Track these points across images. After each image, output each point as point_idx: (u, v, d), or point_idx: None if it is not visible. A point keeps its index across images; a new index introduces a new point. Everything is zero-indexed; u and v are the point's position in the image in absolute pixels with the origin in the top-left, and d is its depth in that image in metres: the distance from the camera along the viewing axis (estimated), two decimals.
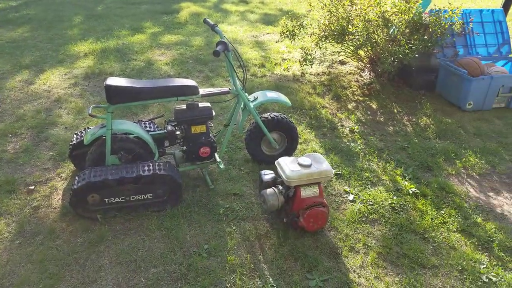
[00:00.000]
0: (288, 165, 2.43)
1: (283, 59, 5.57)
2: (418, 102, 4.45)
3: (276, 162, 2.55)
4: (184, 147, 2.89)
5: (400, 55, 4.09)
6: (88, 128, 2.87)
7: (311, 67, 4.95)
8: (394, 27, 4.12)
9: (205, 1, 9.01)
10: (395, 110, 4.29)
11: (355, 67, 5.27)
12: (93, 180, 2.41)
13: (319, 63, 5.40)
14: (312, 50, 4.67)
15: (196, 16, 7.66)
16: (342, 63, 5.48)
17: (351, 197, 2.88)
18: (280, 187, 2.47)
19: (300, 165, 2.42)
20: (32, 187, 2.81)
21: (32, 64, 5.11)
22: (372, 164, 3.31)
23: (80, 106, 4.04)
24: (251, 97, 3.07)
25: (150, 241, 2.40)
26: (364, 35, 3.99)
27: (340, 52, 4.99)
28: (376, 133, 3.81)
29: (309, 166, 2.42)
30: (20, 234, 2.40)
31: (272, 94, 3.09)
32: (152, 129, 3.04)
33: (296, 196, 2.43)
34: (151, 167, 2.55)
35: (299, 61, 4.81)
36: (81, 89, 4.46)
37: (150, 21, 7.23)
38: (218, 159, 2.94)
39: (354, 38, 4.32)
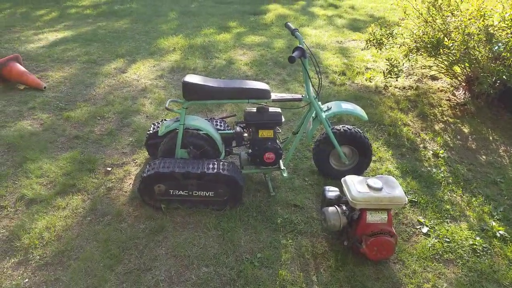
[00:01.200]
0: (355, 185, 2.26)
1: (367, 69, 5.28)
2: None
3: (342, 179, 2.39)
4: (250, 150, 2.86)
5: (504, 76, 3.60)
6: (165, 120, 3.00)
7: (397, 80, 4.60)
8: (499, 43, 3.63)
9: (293, 4, 8.98)
10: (491, 138, 3.79)
11: (448, 84, 4.79)
12: (161, 171, 2.49)
13: (407, 77, 5.01)
14: (399, 62, 4.33)
15: (282, 18, 7.66)
16: (434, 78, 5.02)
17: (425, 229, 2.60)
18: (344, 207, 2.30)
19: (369, 187, 2.23)
20: (109, 169, 3.01)
21: (127, 54, 5.54)
22: (455, 196, 2.95)
23: (162, 97, 4.26)
24: (324, 107, 2.93)
25: (206, 239, 2.41)
26: (462, 49, 3.58)
27: (432, 66, 4.57)
28: (465, 161, 3.40)
29: (379, 189, 2.22)
30: (92, 212, 2.59)
31: (347, 106, 2.91)
32: (222, 128, 3.07)
33: (361, 220, 2.24)
34: (215, 166, 2.57)
35: (383, 73, 4.51)
36: (165, 81, 4.71)
37: (237, 21, 7.41)
38: (282, 167, 2.86)
39: (450, 53, 3.91)
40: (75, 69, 5.00)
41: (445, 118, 4.11)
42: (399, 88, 4.72)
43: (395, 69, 4.30)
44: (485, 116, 4.13)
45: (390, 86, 4.73)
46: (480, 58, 3.80)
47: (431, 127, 3.93)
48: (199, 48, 5.81)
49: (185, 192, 2.59)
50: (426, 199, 2.87)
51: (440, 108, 4.28)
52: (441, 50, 3.92)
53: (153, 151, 3.08)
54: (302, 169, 3.18)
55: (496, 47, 3.48)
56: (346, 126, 2.96)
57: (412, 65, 4.80)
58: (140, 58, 5.41)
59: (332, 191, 2.46)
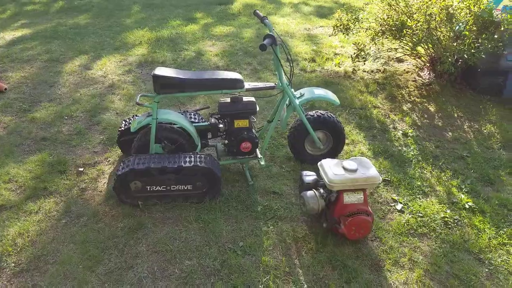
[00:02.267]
0: (331, 168, 2.30)
1: (335, 54, 5.36)
2: (482, 108, 4.07)
3: (319, 163, 2.43)
4: (226, 141, 2.85)
5: (465, 55, 3.76)
6: (136, 115, 2.93)
7: (364, 63, 4.69)
8: (460, 23, 3.78)
9: None
10: (456, 115, 3.95)
11: (413, 65, 4.93)
12: (136, 168, 2.45)
13: (374, 60, 5.12)
14: (366, 46, 4.42)
15: (249, 7, 7.61)
16: (399, 60, 5.16)
17: (399, 206, 2.69)
18: (322, 190, 2.35)
19: (345, 169, 2.28)
20: (82, 169, 2.93)
21: (91, 50, 5.36)
22: (425, 172, 3.07)
23: (131, 93, 4.16)
24: (297, 93, 2.96)
25: (187, 232, 2.40)
26: (425, 29, 3.69)
27: (397, 49, 4.69)
28: (432, 139, 3.54)
29: (354, 171, 2.27)
30: (66, 214, 2.51)
31: (319, 91, 2.96)
32: (196, 121, 3.04)
33: (338, 201, 2.30)
34: (192, 159, 2.55)
35: (351, 57, 4.59)
36: (134, 76, 4.59)
37: (203, 12, 7.29)
38: (259, 155, 2.87)
39: (413, 33, 4.02)
40: (36, 68, 4.79)
41: (412, 98, 4.24)
42: (367, 72, 4.83)
43: (362, 53, 4.38)
44: (449, 94, 4.30)
45: (359, 70, 4.82)
46: (442, 38, 3.94)
47: (399, 108, 4.05)
48: (167, 41, 5.69)
49: (162, 188, 2.55)
50: (399, 177, 2.97)
51: (407, 89, 4.42)
52: (404, 32, 4.02)
53: (126, 148, 3.01)
54: (278, 156, 3.21)
55: (457, 27, 3.61)
56: (319, 111, 3.00)
57: (378, 49, 4.91)
58: (105, 53, 5.24)
59: (309, 176, 2.51)
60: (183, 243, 2.33)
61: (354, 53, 4.51)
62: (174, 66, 4.87)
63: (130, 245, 2.29)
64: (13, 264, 2.13)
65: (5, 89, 4.15)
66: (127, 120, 3.04)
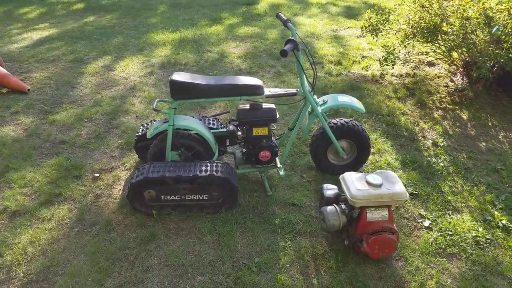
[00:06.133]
0: (354, 182, 2.16)
1: (363, 57, 5.15)
2: None
3: (340, 176, 2.28)
4: (244, 149, 2.75)
5: (502, 60, 3.49)
6: (154, 120, 2.87)
7: (393, 67, 4.47)
8: (497, 26, 3.51)
9: None
10: (490, 124, 3.69)
11: (446, 70, 4.67)
12: (150, 176, 2.38)
13: (403, 64, 4.88)
14: (395, 49, 4.20)
15: (275, 7, 7.48)
16: (431, 64, 4.90)
17: (427, 223, 2.51)
18: (343, 206, 2.21)
19: (369, 183, 2.13)
20: (97, 175, 2.90)
21: (115, 51, 5.38)
22: (456, 186, 2.86)
23: (152, 95, 4.12)
24: (320, 100, 2.82)
25: (200, 245, 2.31)
26: (461, 35, 3.46)
27: (428, 52, 4.44)
28: (464, 149, 3.31)
29: (379, 186, 2.12)
30: (79, 222, 2.48)
31: (344, 99, 2.80)
32: (215, 126, 2.95)
33: (361, 218, 2.15)
34: (208, 168, 2.46)
35: (379, 60, 4.38)
36: (155, 78, 4.56)
37: (229, 12, 7.22)
38: (279, 165, 2.75)
39: (448, 39, 3.78)
40: (60, 68, 4.85)
41: (444, 105, 4.00)
42: (396, 76, 4.60)
43: (391, 56, 4.17)
44: (483, 101, 4.03)
45: (387, 74, 4.60)
46: (478, 42, 3.68)
47: (429, 115, 3.82)
48: (191, 42, 5.65)
49: (177, 197, 2.48)
50: (427, 191, 2.77)
51: (438, 95, 4.17)
52: (438, 36, 3.79)
53: (143, 154, 2.96)
54: (299, 165, 3.07)
55: (494, 29, 3.36)
56: (343, 119, 2.85)
57: (408, 51, 4.67)
58: (128, 54, 5.25)
59: (330, 189, 2.36)
60: (196, 257, 2.24)
61: (383, 56, 4.30)
62: (196, 68, 4.82)
63: (142, 257, 2.22)
64: (22, 275, 2.11)
65: (28, 90, 4.21)
66: (145, 124, 2.99)
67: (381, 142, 3.37)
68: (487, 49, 3.56)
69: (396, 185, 2.14)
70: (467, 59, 4.09)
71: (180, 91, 2.50)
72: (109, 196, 2.69)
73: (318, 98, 2.88)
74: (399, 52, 4.26)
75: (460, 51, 4.00)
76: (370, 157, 3.17)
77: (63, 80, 4.52)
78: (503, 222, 2.50)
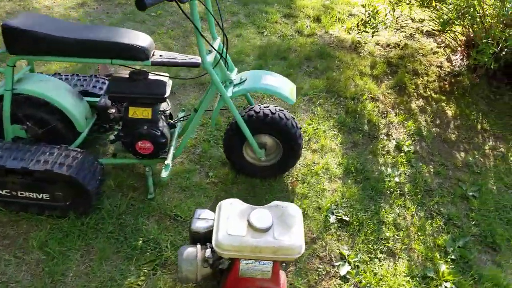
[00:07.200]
0: (229, 220, 1.45)
1: (350, 15, 4.17)
2: None
3: (218, 205, 1.56)
4: (121, 133, 2.00)
5: None
6: None
7: (373, 36, 3.52)
8: None
9: None
10: (479, 127, 2.87)
11: (446, 45, 3.71)
12: None
13: (396, 31, 3.91)
14: (378, 11, 3.23)
15: None
16: (430, 35, 3.92)
17: (344, 270, 1.83)
18: (209, 252, 1.51)
19: (250, 225, 1.42)
20: None
21: None
22: (405, 215, 2.14)
23: None
24: (237, 78, 2.03)
25: (17, 266, 1.67)
26: (462, 7, 2.52)
27: (423, 20, 3.47)
28: (435, 161, 2.54)
29: (264, 231, 1.41)
30: None
31: (269, 80, 2.01)
32: (95, 88, 2.20)
33: (232, 271, 1.47)
34: (49, 158, 1.74)
35: (357, 25, 3.43)
36: (84, 12, 3.68)
37: None
38: (168, 161, 2.01)
39: (444, 7, 2.84)
40: None
41: (428, 93, 3.14)
42: (381, 46, 3.67)
43: (372, 21, 3.22)
44: (480, 94, 3.16)
45: (368, 43, 3.66)
46: (488, 16, 2.74)
47: (406, 104, 2.99)
48: None
49: (5, 192, 1.80)
50: (362, 219, 2.07)
51: (425, 78, 3.29)
52: (433, 2, 2.83)
53: None
54: (211, 158, 2.35)
55: (509, 6, 2.41)
56: (270, 107, 2.07)
57: (397, 17, 3.66)
58: None
59: (203, 219, 1.63)
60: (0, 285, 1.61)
61: (362, 20, 3.35)
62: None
63: None
64: None
65: None
66: None
67: (330, 136, 2.60)
68: (496, 29, 2.63)
69: (290, 232, 1.43)
70: (471, 35, 3.14)
71: (17, 42, 1.73)
72: None
73: (235, 74, 2.08)
74: (386, 16, 3.30)
75: (463, 23, 3.04)
76: (310, 155, 2.43)
77: None
78: (447, 286, 1.81)
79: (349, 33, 3.79)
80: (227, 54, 2.00)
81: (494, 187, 2.37)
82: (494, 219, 2.17)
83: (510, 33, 2.61)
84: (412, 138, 2.68)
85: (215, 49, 1.88)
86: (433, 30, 3.58)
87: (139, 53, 1.77)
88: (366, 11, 3.28)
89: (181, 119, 2.31)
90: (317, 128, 2.67)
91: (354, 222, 2.05)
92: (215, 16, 1.93)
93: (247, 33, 3.66)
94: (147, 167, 2.11)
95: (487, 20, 2.72)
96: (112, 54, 1.77)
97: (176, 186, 2.14)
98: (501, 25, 2.67)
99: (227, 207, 1.51)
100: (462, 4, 2.54)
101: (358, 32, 3.46)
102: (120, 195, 2.04)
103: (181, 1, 1.53)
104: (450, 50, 3.63)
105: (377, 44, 3.68)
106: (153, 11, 3.91)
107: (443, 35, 3.48)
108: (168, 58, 1.87)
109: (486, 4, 2.70)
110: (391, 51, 3.61)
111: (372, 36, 3.47)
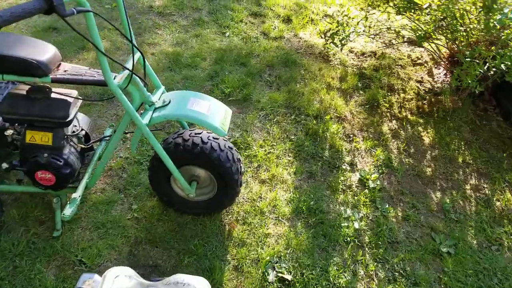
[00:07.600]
0: None
1: (325, 16, 3.72)
2: (510, 154, 2.53)
3: (103, 275, 1.11)
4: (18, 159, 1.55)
5: (502, 64, 2.17)
6: None
7: (341, 49, 3.06)
8: (504, 11, 2.13)
9: None
10: (461, 159, 2.45)
11: (429, 56, 3.29)
12: None
13: (374, 37, 3.47)
14: (349, 20, 2.78)
15: None
16: (412, 42, 3.49)
17: None
18: None
19: None
20: None
21: None
22: (361, 276, 1.72)
23: None
24: (159, 101, 1.59)
25: None
26: (446, 15, 2.09)
27: (400, 32, 3.04)
28: (405, 202, 2.12)
29: None
30: None
31: (199, 106, 1.58)
32: None
33: None
34: None
35: (323, 34, 2.98)
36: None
37: None
38: (76, 193, 1.54)
39: (420, 17, 2.41)
40: None
41: (404, 113, 2.73)
42: (355, 54, 3.24)
43: (341, 32, 2.77)
44: (464, 118, 2.74)
45: (336, 53, 3.20)
46: (469, 32, 2.32)
47: (376, 127, 2.57)
48: None
49: None
50: (308, 279, 1.64)
51: (402, 95, 2.87)
52: (407, 13, 2.39)
53: None
54: (139, 184, 1.91)
55: (498, 18, 1.99)
56: (203, 134, 1.63)
57: (369, 25, 3.19)
58: None
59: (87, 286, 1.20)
60: None
61: (330, 29, 2.89)
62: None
63: None
64: None
65: None
66: None
67: (283, 164, 2.17)
68: (482, 46, 2.22)
69: None
70: (455, 49, 2.73)
71: None
72: None
73: (159, 95, 1.63)
74: (357, 24, 2.84)
75: (442, 35, 2.61)
76: (257, 187, 2.00)
77: None
78: None
79: (321, 37, 3.34)
80: (149, 70, 1.55)
81: (474, 242, 1.97)
82: (472, 287, 1.76)
83: (493, 53, 2.20)
84: (380, 171, 2.26)
85: (123, 66, 1.40)
86: (413, 39, 3.15)
87: (33, 69, 1.35)
88: (334, 20, 2.82)
89: (105, 138, 1.85)
90: (269, 152, 2.23)
91: (297, 284, 1.63)
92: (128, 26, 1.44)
93: (207, 33, 3.19)
94: (55, 198, 1.65)
95: (472, 34, 2.30)
96: (2, 69, 1.36)
97: (90, 221, 1.70)
98: (487, 42, 2.25)
99: (110, 281, 1.06)
100: (440, 14, 2.10)
101: (326, 44, 3.01)
102: (23, 229, 1.61)
103: (63, 14, 1.06)
104: (433, 62, 3.22)
105: (351, 51, 3.25)
106: (108, 3, 3.42)
107: (428, 43, 3.05)
108: (73, 75, 1.44)
109: (471, 14, 2.28)
110: (366, 60, 3.18)
111: (341, 50, 3.02)
